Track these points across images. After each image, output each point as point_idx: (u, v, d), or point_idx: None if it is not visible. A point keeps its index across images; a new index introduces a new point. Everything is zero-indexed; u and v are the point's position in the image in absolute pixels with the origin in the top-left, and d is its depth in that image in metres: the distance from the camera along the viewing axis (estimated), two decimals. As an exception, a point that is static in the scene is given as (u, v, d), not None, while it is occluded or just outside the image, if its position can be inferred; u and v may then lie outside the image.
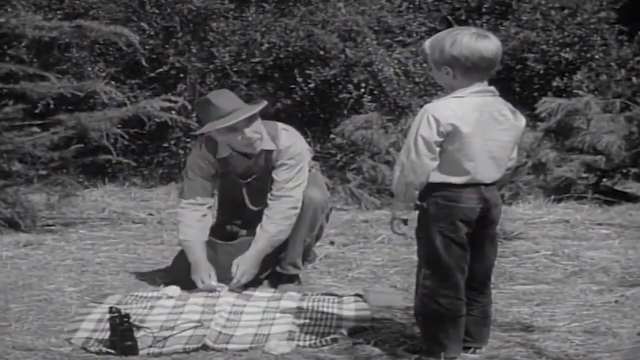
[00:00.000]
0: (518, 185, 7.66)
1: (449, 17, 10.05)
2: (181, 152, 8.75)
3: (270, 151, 4.58)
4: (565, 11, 10.11)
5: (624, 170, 8.20)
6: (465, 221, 3.30)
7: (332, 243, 5.76)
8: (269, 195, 4.55)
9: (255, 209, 4.66)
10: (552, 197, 7.60)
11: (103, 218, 6.80)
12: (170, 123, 8.00)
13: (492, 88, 3.32)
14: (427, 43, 3.36)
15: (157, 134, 8.66)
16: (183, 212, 4.64)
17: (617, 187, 8.17)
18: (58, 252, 5.57)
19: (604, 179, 8.15)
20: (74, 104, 7.67)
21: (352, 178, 7.72)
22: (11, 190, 6.32)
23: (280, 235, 4.53)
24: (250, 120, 4.47)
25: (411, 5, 9.73)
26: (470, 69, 3.24)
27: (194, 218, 4.61)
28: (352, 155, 8.13)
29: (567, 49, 9.79)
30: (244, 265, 4.49)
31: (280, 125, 4.71)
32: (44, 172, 6.65)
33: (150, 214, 6.97)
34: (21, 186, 6.48)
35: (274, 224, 4.51)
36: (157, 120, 7.64)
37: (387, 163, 7.65)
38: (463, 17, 10.27)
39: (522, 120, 3.40)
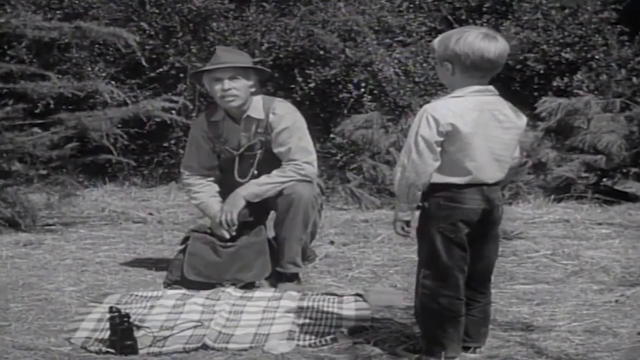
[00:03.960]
0: (518, 185, 7.65)
1: (450, 17, 10.04)
2: (181, 151, 8.73)
3: (258, 120, 4.69)
4: (566, 11, 10.10)
5: (624, 170, 8.20)
6: (466, 222, 3.30)
7: (332, 243, 5.76)
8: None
9: (242, 180, 4.74)
10: (552, 196, 7.60)
11: (103, 218, 6.81)
12: (170, 123, 8.00)
13: (492, 88, 3.31)
14: (438, 38, 3.36)
15: (157, 134, 8.65)
16: (189, 181, 4.86)
17: (617, 187, 8.16)
18: (58, 252, 5.57)
19: (604, 179, 8.15)
20: (74, 104, 7.67)
21: (352, 178, 7.72)
22: (11, 190, 6.32)
23: (266, 186, 4.60)
24: (236, 75, 4.62)
25: (411, 5, 9.72)
26: (469, 68, 3.24)
27: (201, 184, 4.83)
28: (352, 154, 8.12)
29: (568, 49, 9.78)
30: (227, 204, 4.63)
31: (278, 99, 4.88)
32: (44, 172, 6.66)
33: (150, 214, 6.98)
34: (21, 186, 6.48)
35: (267, 176, 4.62)
36: (157, 120, 7.65)
37: (387, 163, 7.65)
38: (463, 17, 10.26)
39: (523, 119, 3.39)
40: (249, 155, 4.74)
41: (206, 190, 4.84)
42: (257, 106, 4.73)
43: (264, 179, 4.65)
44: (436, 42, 3.34)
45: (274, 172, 4.64)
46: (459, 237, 3.30)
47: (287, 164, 4.64)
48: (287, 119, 4.71)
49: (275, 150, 4.68)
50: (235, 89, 4.64)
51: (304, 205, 4.58)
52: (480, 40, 3.23)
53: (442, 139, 3.21)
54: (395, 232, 3.39)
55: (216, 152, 4.83)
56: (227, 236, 4.69)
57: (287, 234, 4.61)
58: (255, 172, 4.73)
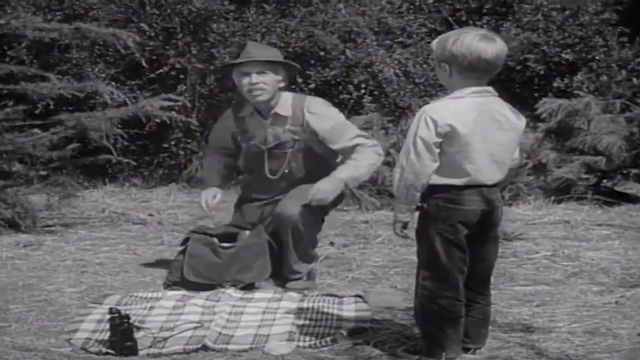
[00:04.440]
0: (518, 186, 7.65)
1: (450, 18, 10.04)
2: (181, 152, 8.75)
3: (285, 117, 4.67)
4: (567, 12, 10.10)
5: (625, 171, 8.20)
6: (465, 223, 3.30)
7: (332, 244, 5.76)
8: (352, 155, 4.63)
9: (273, 177, 4.74)
10: (553, 197, 7.59)
11: (103, 218, 6.80)
12: (170, 123, 7.99)
13: (490, 88, 3.31)
14: (437, 39, 3.36)
15: (157, 135, 8.65)
16: (204, 154, 5.09)
17: (618, 188, 8.16)
18: (58, 253, 5.57)
19: (604, 180, 8.14)
20: (74, 105, 7.67)
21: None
22: (11, 191, 6.32)
23: (360, 170, 4.59)
24: (265, 69, 4.60)
25: (411, 7, 9.72)
26: (466, 69, 3.23)
27: (211, 160, 4.96)
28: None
29: (568, 49, 9.78)
30: (323, 183, 4.54)
31: (309, 96, 4.91)
32: (44, 173, 6.65)
33: (150, 215, 6.97)
34: (21, 187, 6.48)
35: (355, 160, 4.60)
36: (157, 120, 7.65)
37: (387, 164, 7.63)
38: (464, 18, 10.26)
39: (523, 120, 3.39)
40: (279, 153, 4.71)
41: (214, 164, 4.93)
42: (285, 103, 4.70)
43: (351, 162, 4.60)
44: (435, 43, 3.34)
45: (355, 157, 4.60)
46: (458, 239, 3.30)
47: (363, 149, 4.61)
48: (329, 115, 4.71)
49: (335, 147, 4.66)
50: (263, 83, 4.61)
51: (292, 222, 4.56)
52: (477, 42, 3.22)
53: (440, 140, 3.21)
54: (394, 233, 3.39)
55: (242, 147, 4.82)
56: (205, 209, 4.83)
57: (283, 246, 4.63)
58: (286, 170, 4.72)
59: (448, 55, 3.25)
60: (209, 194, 4.84)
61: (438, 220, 3.29)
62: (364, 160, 4.62)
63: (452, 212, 3.28)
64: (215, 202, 4.83)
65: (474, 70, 3.24)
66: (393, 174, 3.33)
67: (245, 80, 4.63)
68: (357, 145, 4.64)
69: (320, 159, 4.73)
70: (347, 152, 4.66)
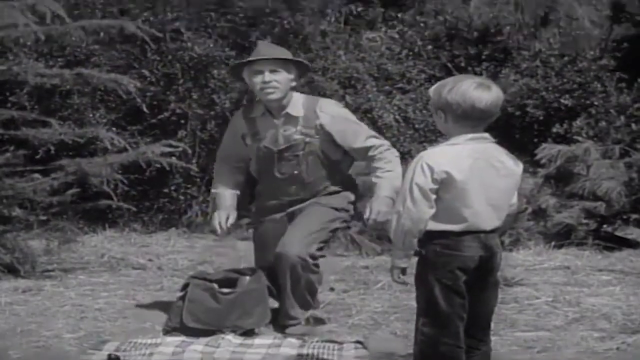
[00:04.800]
0: (518, 232, 7.64)
1: (449, 65, 10.12)
2: (181, 198, 8.76)
3: (297, 118, 4.64)
4: (565, 58, 10.18)
5: (625, 216, 8.20)
6: (463, 269, 3.29)
7: (332, 289, 5.74)
8: (368, 160, 4.65)
9: (281, 176, 4.68)
10: (553, 243, 7.59)
11: (102, 264, 6.79)
12: (170, 169, 8.01)
13: (487, 135, 3.31)
14: (434, 86, 3.37)
15: (158, 180, 8.67)
16: (215, 170, 4.92)
17: (618, 233, 8.15)
18: (57, 298, 5.55)
19: (605, 225, 8.14)
20: (75, 150, 7.69)
21: (353, 224, 7.71)
22: (11, 236, 6.31)
23: (397, 181, 4.53)
24: (277, 67, 4.58)
25: (410, 53, 9.80)
26: (460, 117, 3.24)
27: (223, 174, 4.85)
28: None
29: (567, 95, 9.84)
30: (378, 205, 4.53)
31: (322, 98, 4.93)
32: (44, 218, 6.65)
33: (150, 260, 6.96)
34: (21, 232, 6.47)
35: (389, 171, 4.59)
36: (158, 166, 7.66)
37: (387, 209, 7.64)
38: (463, 64, 10.34)
39: (520, 166, 3.39)
40: (289, 155, 4.67)
41: (225, 182, 4.83)
42: (297, 103, 4.67)
43: (387, 174, 4.60)
44: (432, 90, 3.36)
45: (380, 164, 4.61)
46: (457, 285, 3.29)
47: (380, 153, 4.62)
48: (343, 116, 4.71)
49: (351, 148, 4.65)
50: (276, 82, 4.58)
51: (291, 264, 4.54)
52: (472, 90, 3.23)
53: (436, 186, 3.21)
54: (392, 279, 3.38)
55: (251, 149, 4.76)
56: (219, 233, 4.76)
57: (280, 289, 4.61)
58: (296, 172, 4.67)
59: (443, 103, 3.27)
60: (222, 215, 4.76)
61: (436, 267, 3.28)
62: (396, 168, 4.62)
63: (451, 258, 3.27)
64: (229, 224, 4.76)
65: (468, 119, 3.25)
66: (390, 220, 3.33)
67: (258, 79, 4.59)
68: (372, 146, 4.63)
69: (331, 163, 4.71)
70: (362, 153, 4.66)
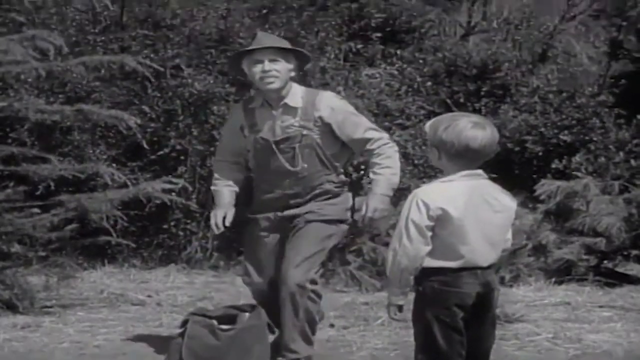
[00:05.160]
0: (519, 267, 7.63)
1: (448, 101, 10.16)
2: (181, 233, 8.74)
3: (296, 109, 4.61)
4: (563, 94, 10.22)
5: (625, 252, 8.19)
6: (461, 306, 3.28)
7: (332, 326, 5.72)
8: (367, 153, 4.64)
9: (276, 168, 4.63)
10: (553, 279, 7.57)
11: (102, 300, 6.76)
12: (170, 205, 8.01)
13: (481, 171, 3.33)
14: (430, 122, 3.39)
15: (157, 216, 8.65)
16: (215, 166, 4.93)
17: (618, 269, 8.14)
18: (56, 335, 5.52)
19: (605, 261, 8.13)
20: (74, 186, 7.69)
21: (352, 260, 7.70)
22: (10, 272, 6.30)
23: (395, 178, 4.61)
24: (277, 56, 4.55)
25: (410, 89, 9.83)
26: (454, 156, 3.26)
27: (223, 170, 4.81)
28: (352, 236, 8.11)
29: (566, 131, 9.86)
30: (373, 201, 4.52)
31: (322, 90, 4.95)
32: (43, 254, 6.63)
33: (149, 296, 6.93)
34: (20, 267, 6.46)
35: (387, 167, 4.60)
36: (157, 202, 7.66)
37: (387, 245, 7.60)
38: (462, 100, 10.38)
39: (514, 202, 3.41)
40: (286, 147, 4.62)
41: (224, 179, 4.80)
42: (296, 94, 4.65)
43: (384, 170, 4.60)
44: (428, 125, 3.37)
45: (379, 160, 4.61)
46: (455, 322, 3.27)
47: (379, 148, 4.62)
48: (342, 107, 4.68)
49: (350, 139, 4.63)
50: (276, 71, 4.55)
51: (291, 292, 4.52)
52: (468, 130, 3.24)
53: (432, 223, 3.22)
54: (389, 316, 3.37)
55: (248, 140, 4.73)
56: (216, 231, 4.70)
57: (282, 320, 4.58)
58: (297, 165, 4.61)
59: (438, 141, 3.28)
60: (219, 213, 4.71)
61: (434, 304, 3.27)
62: (394, 164, 4.64)
63: (449, 294, 3.26)
64: (227, 223, 4.70)
65: (462, 158, 3.27)
66: (386, 257, 3.33)
67: (258, 68, 4.57)
68: (371, 139, 4.62)
69: (327, 158, 4.67)
70: (361, 145, 4.64)
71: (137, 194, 6.85)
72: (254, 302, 4.86)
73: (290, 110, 4.64)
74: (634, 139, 9.76)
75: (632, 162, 9.28)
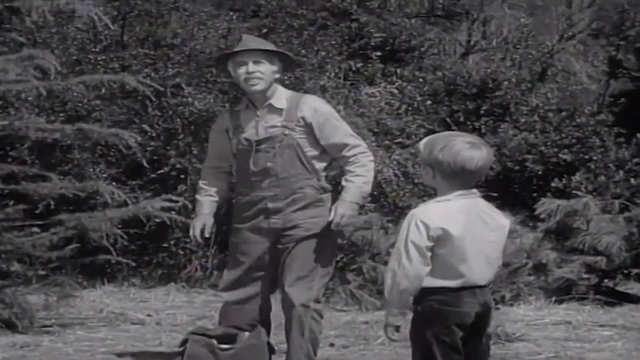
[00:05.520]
0: (519, 286, 7.62)
1: (448, 119, 10.18)
2: (181, 252, 8.73)
3: (280, 110, 4.63)
4: (563, 113, 10.24)
5: (625, 271, 8.19)
6: (460, 325, 3.26)
7: (332, 345, 5.70)
8: (342, 160, 4.64)
9: (256, 169, 4.63)
10: (554, 298, 7.56)
11: (101, 319, 6.74)
12: (170, 223, 8.00)
13: (475, 190, 3.33)
14: (424, 141, 3.38)
15: (157, 235, 8.65)
16: (201, 174, 4.97)
17: (619, 288, 8.13)
18: (55, 354, 5.51)
19: (605, 280, 8.12)
20: (74, 204, 7.69)
21: (352, 279, 7.69)
22: (9, 291, 6.29)
23: (366, 187, 4.61)
24: (261, 58, 4.59)
25: (410, 108, 9.86)
26: (449, 175, 3.24)
27: (207, 181, 4.85)
28: (352, 255, 8.11)
29: (566, 150, 9.88)
30: (342, 208, 4.52)
31: (307, 94, 4.94)
32: (42, 273, 6.63)
33: (149, 315, 6.92)
34: (19, 286, 6.44)
35: (359, 176, 4.59)
36: (157, 220, 7.65)
37: (387, 264, 7.62)
38: (461, 119, 10.40)
39: (508, 220, 3.41)
40: (267, 147, 4.63)
41: (207, 188, 4.83)
42: (280, 96, 4.68)
43: (356, 179, 4.60)
44: (422, 144, 3.34)
45: (353, 168, 4.61)
46: (454, 341, 3.26)
47: (355, 156, 4.62)
48: (324, 110, 4.70)
49: (327, 143, 4.64)
50: (260, 72, 4.59)
51: (297, 313, 4.51)
52: (465, 151, 3.22)
53: (432, 243, 3.20)
54: (386, 337, 3.34)
55: (233, 142, 4.73)
56: (199, 240, 4.74)
57: (288, 341, 4.57)
58: (269, 164, 4.60)
59: (433, 161, 3.26)
60: (197, 225, 4.75)
61: (434, 323, 3.25)
62: (368, 174, 4.64)
63: (449, 314, 3.25)
64: (206, 235, 4.74)
65: (456, 178, 3.25)
66: (385, 278, 3.29)
67: (242, 70, 4.62)
68: (348, 144, 4.63)
69: (307, 160, 4.65)
70: (338, 150, 4.64)
71: (137, 213, 6.84)
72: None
73: (274, 111, 4.68)
74: (633, 157, 9.79)
75: (632, 180, 9.29)
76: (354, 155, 4.63)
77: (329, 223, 4.56)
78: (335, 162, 4.76)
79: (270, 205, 4.61)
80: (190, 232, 4.77)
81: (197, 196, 4.90)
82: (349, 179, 4.61)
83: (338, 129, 4.66)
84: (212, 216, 4.80)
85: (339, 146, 4.63)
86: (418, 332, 3.29)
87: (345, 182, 4.62)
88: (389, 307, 3.30)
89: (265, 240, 4.63)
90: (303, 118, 4.62)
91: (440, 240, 3.20)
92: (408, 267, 3.20)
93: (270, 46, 4.78)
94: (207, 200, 4.82)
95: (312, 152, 4.65)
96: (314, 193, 4.63)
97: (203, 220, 4.74)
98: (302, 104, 4.65)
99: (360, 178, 4.60)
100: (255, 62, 4.60)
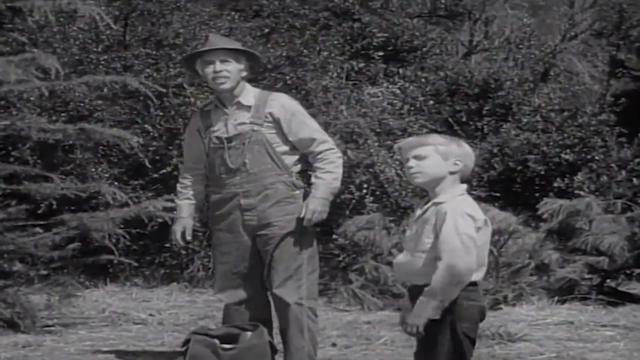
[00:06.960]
0: (521, 287, 7.62)
1: (450, 119, 10.17)
2: (183, 252, 8.73)
3: (248, 107, 4.68)
4: (565, 113, 10.24)
5: (628, 271, 8.18)
6: (481, 321, 3.24)
7: (334, 345, 5.70)
8: (311, 156, 4.67)
9: (227, 166, 4.67)
10: (556, 298, 7.56)
11: (103, 319, 6.75)
12: (172, 223, 7.98)
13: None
14: (435, 135, 3.37)
15: (159, 234, 8.64)
16: (180, 178, 4.98)
17: (621, 288, 8.13)
18: (57, 354, 5.51)
19: (608, 280, 8.12)
20: (76, 204, 7.69)
21: (355, 279, 7.69)
22: (11, 291, 6.29)
23: (335, 183, 4.65)
24: (227, 57, 4.65)
25: (412, 108, 9.85)
26: (460, 170, 3.27)
27: (184, 184, 4.90)
28: (354, 256, 8.11)
29: (568, 150, 9.87)
30: (312, 204, 4.56)
31: (275, 92, 4.96)
32: (44, 272, 6.63)
33: (151, 315, 6.92)
34: (22, 286, 6.45)
35: (328, 172, 4.64)
36: (159, 220, 7.65)
37: (389, 264, 7.62)
38: (464, 119, 10.39)
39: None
40: (237, 144, 4.68)
41: (185, 191, 4.90)
42: (249, 93, 4.75)
43: (325, 175, 4.64)
44: (438, 138, 3.33)
45: (322, 165, 4.64)
46: (475, 337, 3.22)
47: (323, 152, 4.66)
48: (292, 106, 4.74)
49: (295, 138, 4.67)
50: (227, 71, 4.66)
51: (292, 311, 4.53)
52: (469, 149, 3.31)
53: (476, 235, 3.19)
54: (409, 332, 3.19)
55: (205, 142, 4.78)
56: (182, 244, 4.86)
57: (287, 344, 4.58)
58: (239, 160, 4.65)
59: (461, 154, 3.27)
60: (177, 229, 4.86)
61: (463, 319, 3.17)
62: (336, 170, 4.67)
63: (475, 309, 3.19)
64: (187, 237, 4.85)
65: (463, 173, 3.29)
66: (436, 274, 3.13)
67: (210, 69, 4.68)
68: (315, 140, 4.67)
69: (277, 156, 4.68)
70: (305, 145, 4.68)
71: (139, 213, 6.85)
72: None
73: (243, 108, 4.73)
74: (635, 157, 9.78)
75: (635, 180, 9.28)
76: (323, 152, 4.68)
77: (302, 220, 4.60)
78: (306, 158, 4.78)
79: (243, 201, 4.67)
80: (172, 237, 4.90)
81: (176, 200, 5.00)
82: (318, 176, 4.66)
83: (305, 124, 4.72)
84: (192, 219, 4.89)
85: (306, 141, 4.69)
86: (449, 328, 3.17)
87: (314, 179, 4.67)
88: (431, 301, 3.14)
89: (243, 239, 4.69)
90: (271, 114, 4.68)
91: (480, 232, 3.19)
92: (467, 259, 3.12)
93: (236, 45, 4.88)
94: (186, 204, 4.91)
95: (281, 147, 4.70)
96: (285, 189, 4.68)
97: (183, 224, 4.86)
98: (269, 100, 4.72)
99: (329, 174, 4.65)
100: (222, 61, 4.68)
